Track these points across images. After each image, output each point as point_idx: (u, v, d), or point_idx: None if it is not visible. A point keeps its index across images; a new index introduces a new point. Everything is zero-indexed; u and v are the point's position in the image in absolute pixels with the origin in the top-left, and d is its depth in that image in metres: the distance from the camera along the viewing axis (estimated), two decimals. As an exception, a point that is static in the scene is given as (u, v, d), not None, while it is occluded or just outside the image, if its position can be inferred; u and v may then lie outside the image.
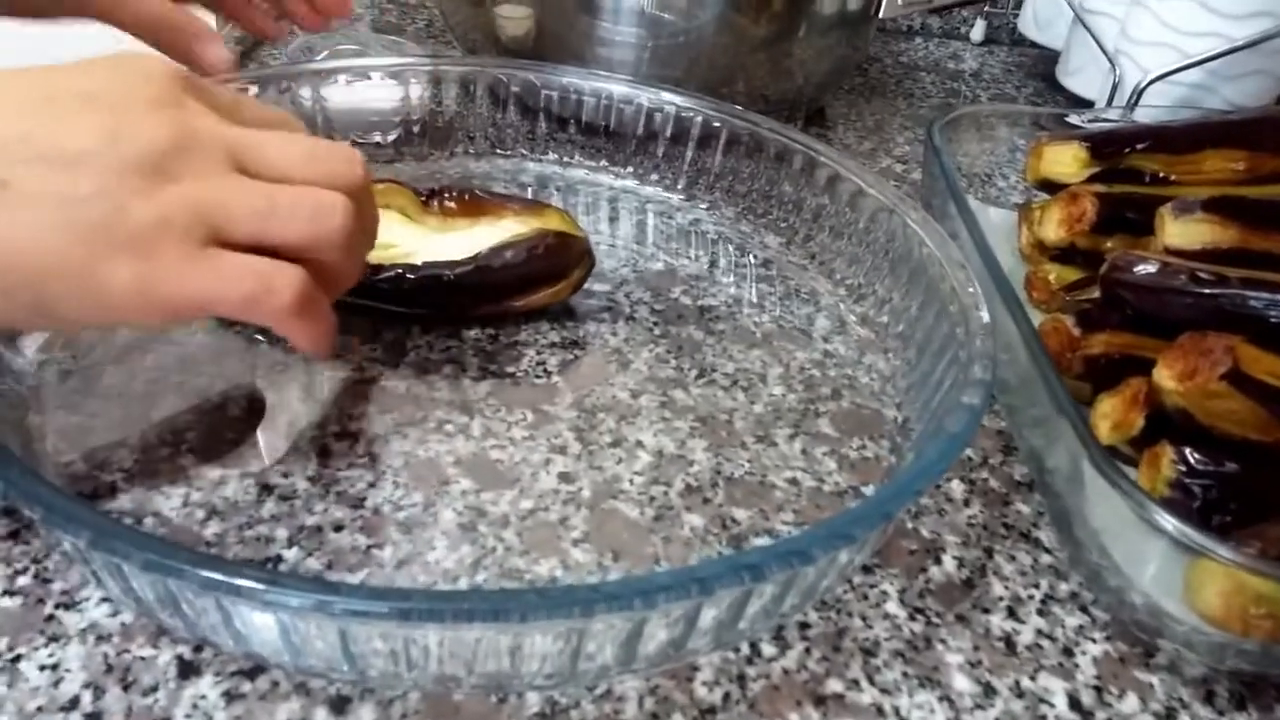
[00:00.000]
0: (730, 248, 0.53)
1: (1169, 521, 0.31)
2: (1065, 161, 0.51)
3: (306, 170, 0.33)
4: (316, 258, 0.33)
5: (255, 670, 0.30)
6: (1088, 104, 0.70)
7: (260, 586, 0.25)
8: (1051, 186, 0.51)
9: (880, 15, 0.65)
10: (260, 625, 0.28)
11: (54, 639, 0.30)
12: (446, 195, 0.46)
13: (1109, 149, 0.50)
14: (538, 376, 0.42)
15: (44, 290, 0.29)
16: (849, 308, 0.49)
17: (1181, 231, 0.42)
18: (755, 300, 0.50)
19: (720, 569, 0.27)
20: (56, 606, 0.31)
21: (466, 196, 0.46)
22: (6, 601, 0.31)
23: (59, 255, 0.28)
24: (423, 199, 0.46)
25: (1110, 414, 0.39)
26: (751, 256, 0.53)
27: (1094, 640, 0.34)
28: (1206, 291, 0.38)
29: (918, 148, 0.68)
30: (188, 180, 0.30)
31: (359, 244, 0.35)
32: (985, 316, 0.38)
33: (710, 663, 0.32)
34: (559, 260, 0.44)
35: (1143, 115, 0.59)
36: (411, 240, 0.44)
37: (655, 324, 0.46)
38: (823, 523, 0.30)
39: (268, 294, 0.31)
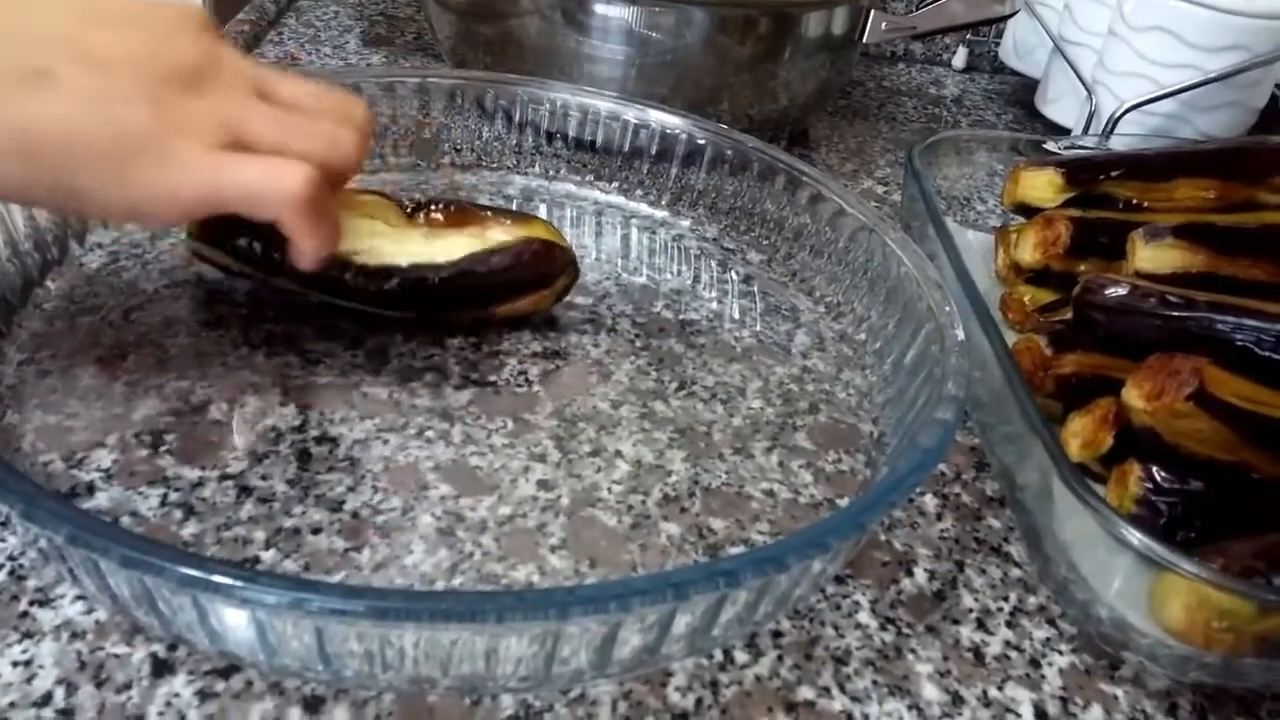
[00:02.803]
0: (712, 263, 0.54)
1: (1135, 537, 0.32)
2: (1041, 186, 0.52)
3: (319, 104, 0.37)
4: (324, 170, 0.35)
5: (230, 669, 0.30)
6: (1065, 131, 0.71)
7: (238, 583, 0.26)
8: (1028, 210, 0.52)
9: (864, 40, 0.65)
10: (236, 623, 0.28)
11: (28, 635, 0.30)
12: (432, 206, 0.46)
13: (1084, 175, 0.51)
14: (519, 385, 0.43)
15: (71, 175, 0.31)
16: (828, 324, 0.50)
17: (1152, 256, 0.43)
18: (736, 315, 0.50)
19: (696, 574, 0.28)
20: (31, 603, 0.31)
21: (452, 207, 0.47)
22: (-18, 597, 0.31)
23: (90, 145, 0.31)
24: (408, 210, 0.47)
25: (1080, 432, 0.40)
26: (733, 272, 0.53)
27: (1060, 652, 0.35)
28: (1175, 314, 0.39)
29: (899, 170, 0.69)
30: (216, 96, 0.33)
31: (353, 170, 0.38)
32: (960, 335, 0.39)
33: (684, 668, 0.32)
34: (544, 267, 0.44)
35: (1118, 143, 0.60)
36: (396, 247, 0.44)
37: (637, 336, 0.47)
38: (798, 532, 0.31)
39: (276, 182, 0.33)
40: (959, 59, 0.88)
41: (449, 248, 0.43)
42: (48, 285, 0.43)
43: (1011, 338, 0.45)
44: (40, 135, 0.30)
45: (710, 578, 0.28)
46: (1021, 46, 0.80)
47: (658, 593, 0.27)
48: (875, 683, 0.33)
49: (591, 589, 0.27)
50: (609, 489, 0.38)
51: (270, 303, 0.45)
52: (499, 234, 0.44)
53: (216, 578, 0.26)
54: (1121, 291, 0.41)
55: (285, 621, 0.27)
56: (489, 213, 0.46)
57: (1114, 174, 0.51)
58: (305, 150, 0.34)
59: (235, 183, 0.33)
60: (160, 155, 0.31)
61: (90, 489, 0.35)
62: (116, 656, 0.30)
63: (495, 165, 0.59)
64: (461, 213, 0.46)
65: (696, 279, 0.53)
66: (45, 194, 0.32)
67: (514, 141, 0.59)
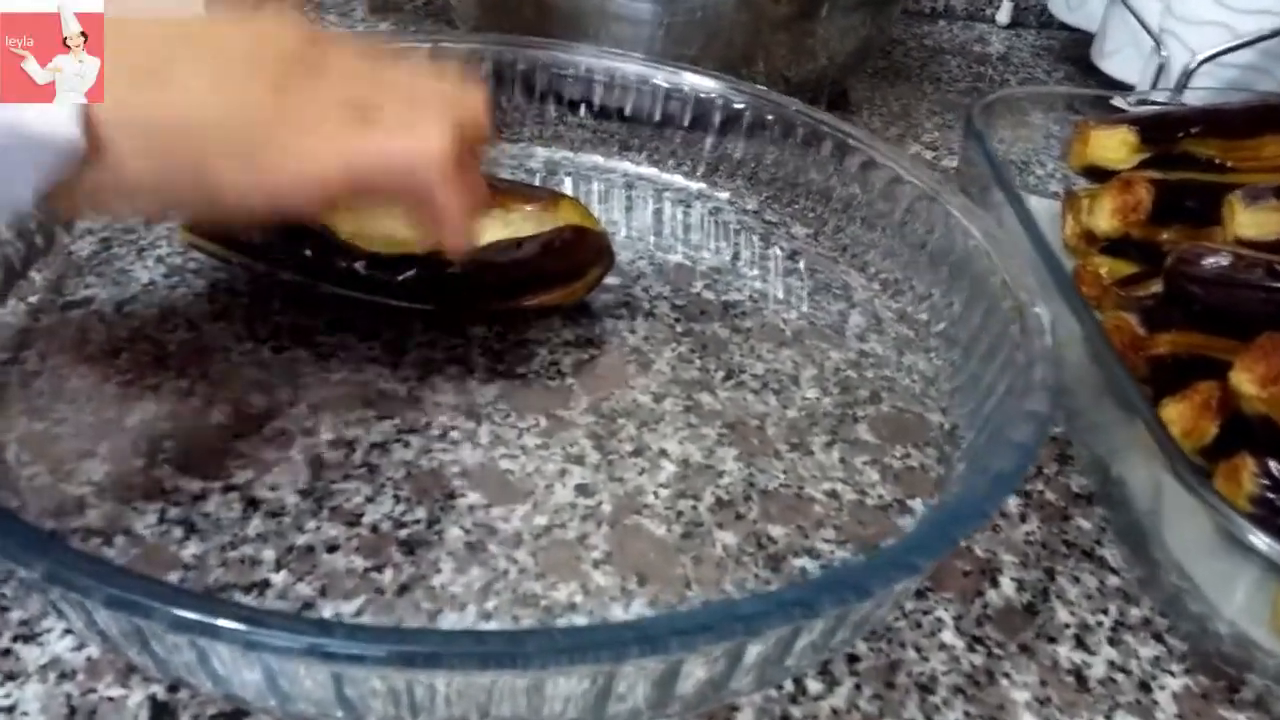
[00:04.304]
0: (754, 239, 0.50)
1: (1264, 541, 0.28)
2: (1113, 146, 0.47)
3: (433, 78, 0.34)
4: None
5: (237, 714, 0.27)
6: (1127, 87, 0.67)
7: (241, 627, 0.22)
8: (1098, 173, 0.48)
9: (908, -7, 0.61)
10: (242, 665, 0.24)
11: (10, 677, 0.27)
12: (450, 181, 0.42)
13: (1160, 134, 0.47)
14: (551, 378, 0.39)
15: (203, 167, 0.29)
16: (884, 303, 0.46)
17: (1254, 221, 0.39)
18: (782, 295, 0.46)
19: (768, 606, 0.24)
20: (14, 639, 0.28)
21: (473, 182, 0.43)
22: (-43, 634, 0.28)
23: (216, 132, 0.29)
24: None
25: (1178, 420, 0.35)
26: (777, 248, 0.49)
27: (1172, 673, 0.31)
28: (1287, 286, 0.35)
29: (947, 133, 0.64)
30: (332, 76, 0.31)
31: (484, 136, 0.35)
32: (1045, 314, 0.35)
33: (751, 703, 0.28)
34: (576, 257, 0.40)
35: (1191, 98, 0.55)
36: (411, 231, 0.40)
37: (677, 321, 0.43)
38: (881, 551, 0.27)
39: (419, 143, 0.31)
40: (1003, 14, 0.83)
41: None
42: (32, 276, 0.40)
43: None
44: (166, 127, 0.28)
45: (783, 609, 0.24)
46: (1073, -2, 0.75)
47: (725, 628, 0.23)
48: (967, 714, 0.29)
49: (650, 625, 0.24)
50: (655, 493, 0.34)
51: (276, 292, 0.41)
52: (526, 216, 0.40)
53: (215, 620, 0.22)
54: (1222, 262, 0.37)
55: (298, 664, 0.24)
56: (513, 191, 0.42)
57: (1193, 131, 0.47)
58: (436, 116, 0.32)
59: (375, 151, 0.30)
60: (291, 136, 0.30)
61: (80, 505, 0.31)
62: (110, 700, 0.27)
63: (515, 137, 0.55)
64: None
65: (736, 256, 0.49)
66: (186, 192, 0.30)
67: (535, 111, 0.55)
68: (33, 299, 0.39)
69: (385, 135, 0.31)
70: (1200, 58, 0.57)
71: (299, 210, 0.31)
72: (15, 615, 0.28)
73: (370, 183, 0.31)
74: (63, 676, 0.27)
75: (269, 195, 0.30)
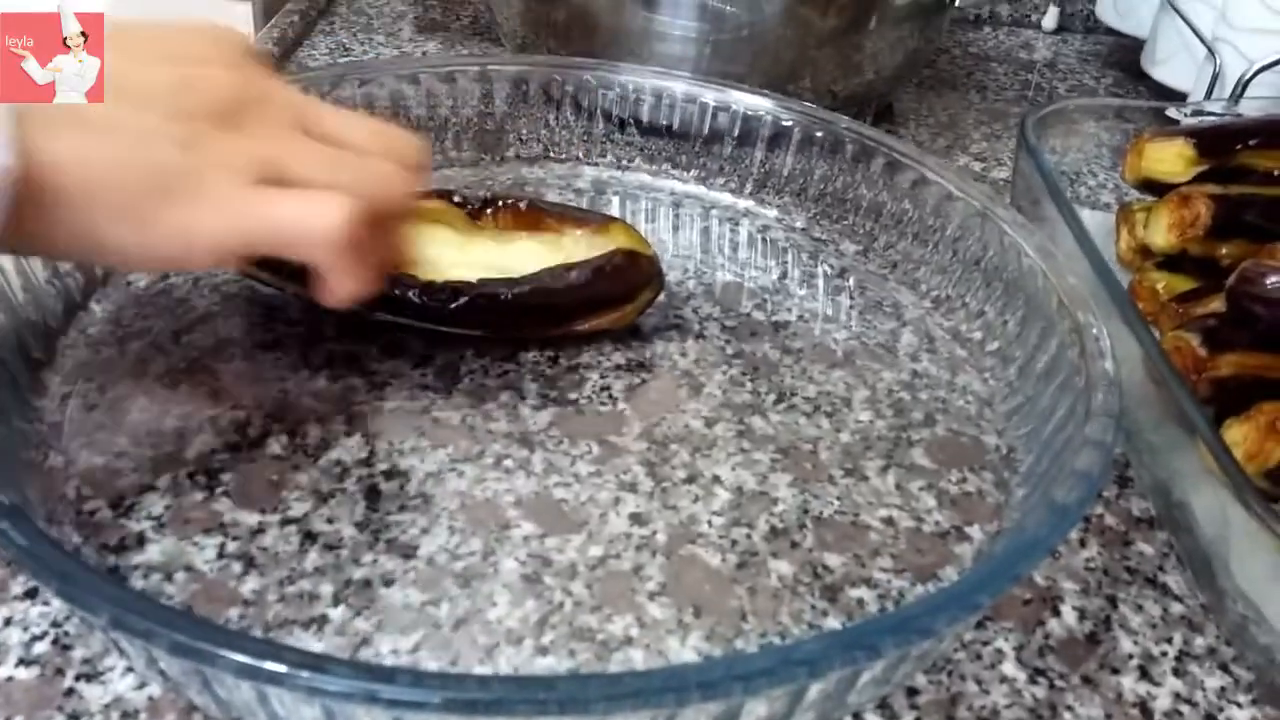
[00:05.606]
0: (803, 256, 0.49)
1: (1338, 576, 0.27)
2: (1170, 159, 0.46)
3: (369, 139, 0.34)
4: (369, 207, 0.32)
5: (299, 752, 0.27)
6: (1178, 96, 0.65)
7: (300, 673, 0.22)
8: (1154, 187, 0.47)
9: (956, 4, 0.60)
10: (301, 705, 0.25)
11: (74, 717, 0.27)
12: (501, 205, 0.43)
13: (1218, 145, 0.46)
14: (603, 403, 0.39)
15: (91, 223, 0.28)
16: (936, 322, 0.45)
17: (1320, 237, 0.38)
18: (832, 314, 0.46)
19: (830, 648, 0.24)
20: (77, 678, 0.28)
21: (523, 206, 0.43)
22: (22, 672, 0.28)
23: (111, 189, 0.28)
24: (474, 209, 0.43)
25: (1243, 443, 0.35)
26: (825, 266, 0.49)
27: (1239, 705, 0.30)
28: (1359, 306, 0.34)
29: (995, 144, 0.64)
30: (253, 129, 0.31)
31: (401, 210, 0.35)
32: (1105, 337, 0.34)
33: (810, 740, 0.28)
34: (627, 281, 0.40)
35: (1248, 108, 0.54)
36: (463, 257, 0.41)
37: (727, 342, 0.43)
38: (944, 588, 0.26)
39: (312, 218, 0.30)
40: (1049, 19, 0.82)
41: (521, 257, 0.40)
42: (92, 308, 0.40)
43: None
44: (60, 179, 0.27)
45: (846, 650, 0.24)
46: (1122, 3, 0.73)
47: (787, 671, 0.23)
48: (1032, 751, 0.28)
49: (713, 669, 0.23)
50: (709, 522, 0.34)
51: (329, 320, 0.41)
52: (576, 241, 0.40)
53: (273, 666, 0.22)
54: (1287, 280, 0.36)
55: (358, 708, 0.24)
56: (564, 215, 0.42)
57: (1251, 143, 0.46)
58: (348, 185, 0.31)
59: (266, 221, 0.30)
60: (188, 197, 0.29)
61: (140, 540, 0.32)
62: (173, 737, 0.27)
63: (563, 156, 0.55)
64: (533, 214, 0.42)
65: (785, 274, 0.48)
66: (66, 246, 0.30)
67: (582, 130, 0.55)
68: (92, 331, 0.39)
69: (281, 204, 0.30)
70: (1257, 66, 0.55)
71: (193, 269, 0.30)
72: (78, 654, 0.29)
73: (260, 249, 0.31)
74: (125, 716, 0.27)
75: (155, 258, 0.30)
